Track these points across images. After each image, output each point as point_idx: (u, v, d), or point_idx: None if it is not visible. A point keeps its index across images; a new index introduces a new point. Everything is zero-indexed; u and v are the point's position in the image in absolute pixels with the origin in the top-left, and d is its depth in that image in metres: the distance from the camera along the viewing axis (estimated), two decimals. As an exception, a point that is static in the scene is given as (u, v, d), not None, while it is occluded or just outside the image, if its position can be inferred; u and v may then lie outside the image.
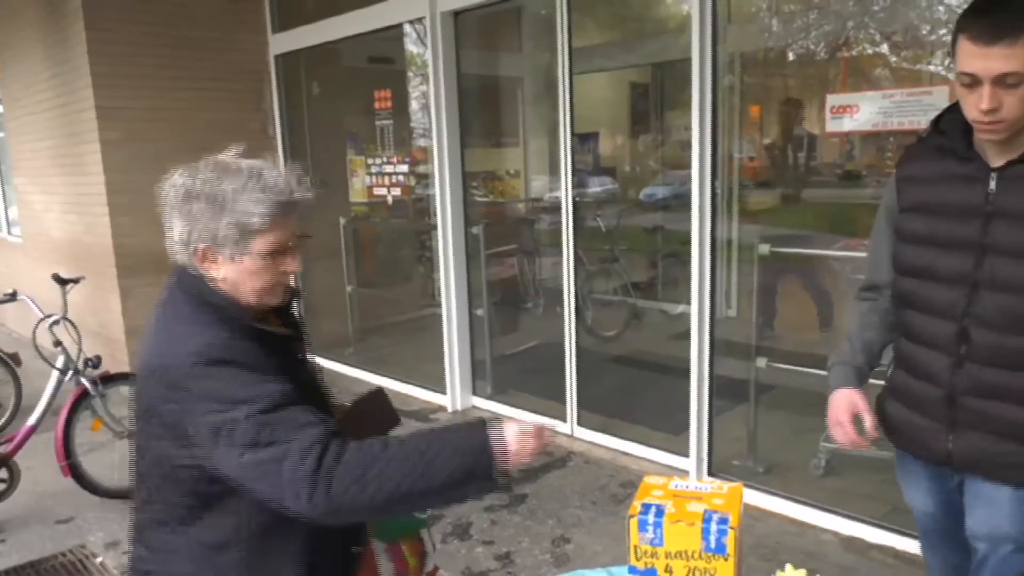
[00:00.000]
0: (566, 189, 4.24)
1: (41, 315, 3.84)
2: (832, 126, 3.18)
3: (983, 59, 1.44)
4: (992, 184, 1.57)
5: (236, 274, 1.38)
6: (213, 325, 1.34)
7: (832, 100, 3.15)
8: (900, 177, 1.74)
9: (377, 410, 1.67)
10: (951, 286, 1.61)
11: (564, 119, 4.19)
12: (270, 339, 1.40)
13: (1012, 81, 1.45)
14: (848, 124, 3.16)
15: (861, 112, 3.05)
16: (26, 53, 6.14)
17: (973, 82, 1.47)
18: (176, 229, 1.38)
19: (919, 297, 1.69)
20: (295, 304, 1.57)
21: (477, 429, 1.32)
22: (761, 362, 3.72)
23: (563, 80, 4.16)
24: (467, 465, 1.28)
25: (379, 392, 1.73)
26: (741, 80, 3.85)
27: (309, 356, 1.56)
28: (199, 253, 1.37)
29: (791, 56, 3.83)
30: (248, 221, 1.35)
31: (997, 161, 1.57)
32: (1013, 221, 1.54)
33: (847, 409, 1.72)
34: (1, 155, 7.98)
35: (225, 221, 1.34)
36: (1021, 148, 1.54)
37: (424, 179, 5.19)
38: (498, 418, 1.39)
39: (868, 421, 1.71)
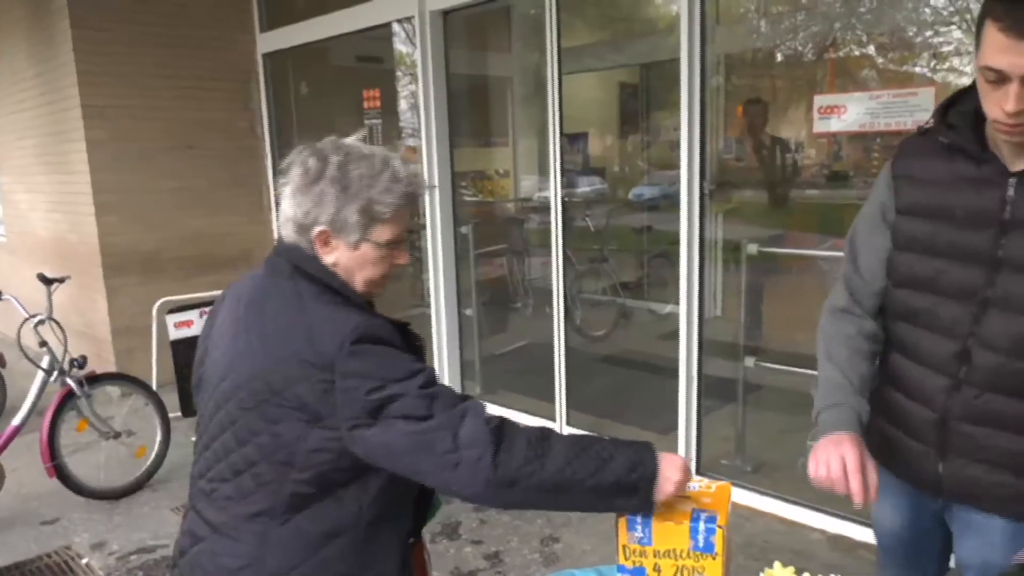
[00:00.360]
0: (555, 189, 4.24)
1: (26, 315, 3.80)
2: (820, 126, 3.20)
3: (1015, 55, 1.24)
4: (1011, 190, 1.38)
5: (351, 261, 1.37)
6: (349, 307, 1.33)
7: (820, 101, 3.18)
8: (897, 174, 1.54)
9: None
10: (958, 302, 1.44)
11: (553, 119, 4.19)
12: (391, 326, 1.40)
13: None
14: (835, 125, 3.18)
15: (848, 113, 3.07)
16: (11, 51, 6.09)
17: (999, 79, 1.28)
18: (296, 209, 1.35)
19: (918, 311, 1.51)
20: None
21: (649, 449, 1.30)
22: (749, 362, 3.74)
23: (552, 80, 4.16)
24: (634, 480, 1.26)
25: None
26: (728, 81, 3.86)
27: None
28: (318, 236, 1.35)
29: (779, 57, 3.84)
30: (376, 209, 1.34)
31: (1017, 164, 1.38)
32: None
33: (855, 468, 1.42)
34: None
35: (353, 206, 1.32)
36: None
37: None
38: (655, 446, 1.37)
39: (872, 479, 1.43)
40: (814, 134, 3.58)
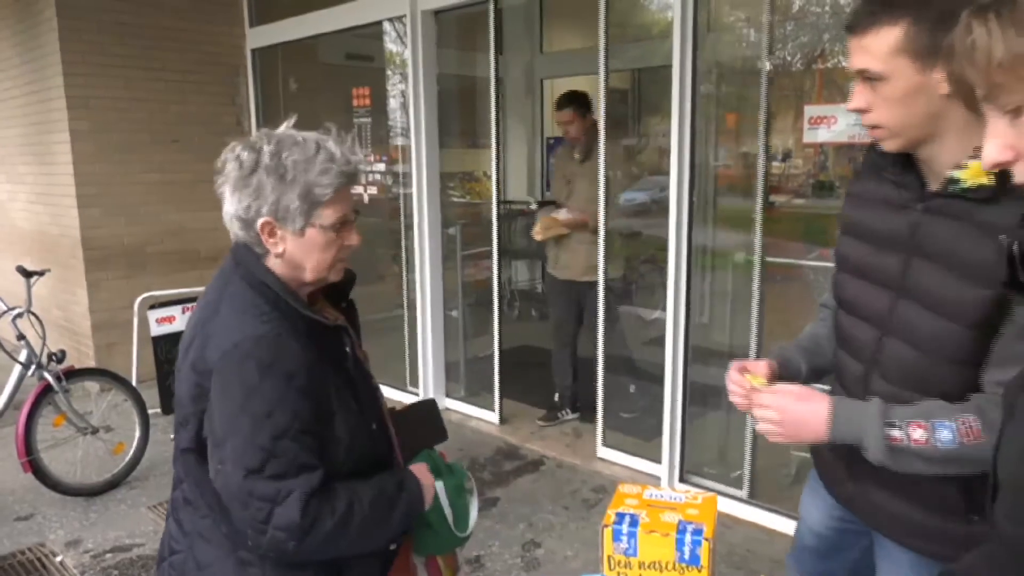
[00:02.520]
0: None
1: (4, 307, 3.74)
2: (808, 136, 3.21)
3: (852, 52, 1.27)
4: (917, 215, 1.32)
5: (299, 249, 1.36)
6: (265, 315, 1.31)
7: (810, 111, 3.18)
8: (848, 191, 1.52)
9: (426, 421, 1.64)
10: (869, 325, 1.41)
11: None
12: (319, 329, 1.37)
13: (870, 77, 1.26)
14: (824, 135, 3.19)
15: (838, 123, 3.08)
16: (-5, 38, 6.00)
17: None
18: (236, 204, 1.34)
19: (843, 330, 1.50)
20: (350, 287, 1.56)
21: (411, 482, 1.45)
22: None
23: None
24: (410, 517, 1.45)
25: (431, 404, 1.71)
26: (719, 88, 3.87)
27: (358, 347, 1.53)
28: (262, 228, 1.34)
29: (768, 66, 3.86)
30: (316, 192, 1.33)
31: (934, 185, 1.31)
32: (929, 263, 1.30)
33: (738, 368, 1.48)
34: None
35: (292, 193, 1.32)
36: (948, 172, 1.27)
37: (401, 178, 5.15)
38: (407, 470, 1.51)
39: (762, 369, 1.46)
40: (803, 144, 3.59)
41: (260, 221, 1.33)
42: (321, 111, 6.10)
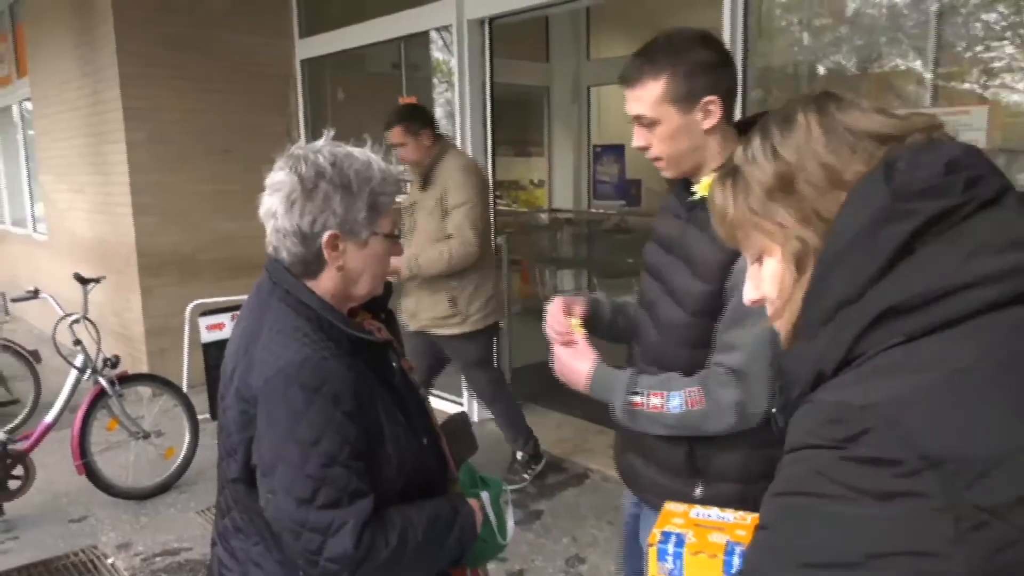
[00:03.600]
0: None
1: (62, 313, 3.87)
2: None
3: (628, 100, 1.53)
4: (683, 220, 1.58)
5: (361, 260, 1.35)
6: (308, 337, 1.28)
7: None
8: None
9: (457, 434, 1.64)
10: (646, 315, 1.67)
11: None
12: (364, 345, 1.36)
13: (646, 123, 1.51)
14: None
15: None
16: (56, 52, 6.24)
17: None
18: (297, 219, 1.29)
19: (636, 323, 1.75)
20: (389, 298, 1.55)
21: (466, 515, 1.43)
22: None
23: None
24: (463, 547, 1.42)
25: (462, 416, 1.71)
26: (769, 94, 3.80)
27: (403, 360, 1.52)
28: (327, 241, 1.31)
29: (821, 70, 3.77)
30: (380, 200, 1.34)
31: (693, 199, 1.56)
32: (681, 263, 1.55)
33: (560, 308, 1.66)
34: (29, 153, 8.10)
35: (360, 203, 1.31)
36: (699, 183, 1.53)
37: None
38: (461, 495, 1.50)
39: (580, 311, 1.67)
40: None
41: (326, 235, 1.31)
42: (368, 120, 6.18)
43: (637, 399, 1.53)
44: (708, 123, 1.49)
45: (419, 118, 3.58)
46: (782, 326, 0.90)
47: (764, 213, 0.86)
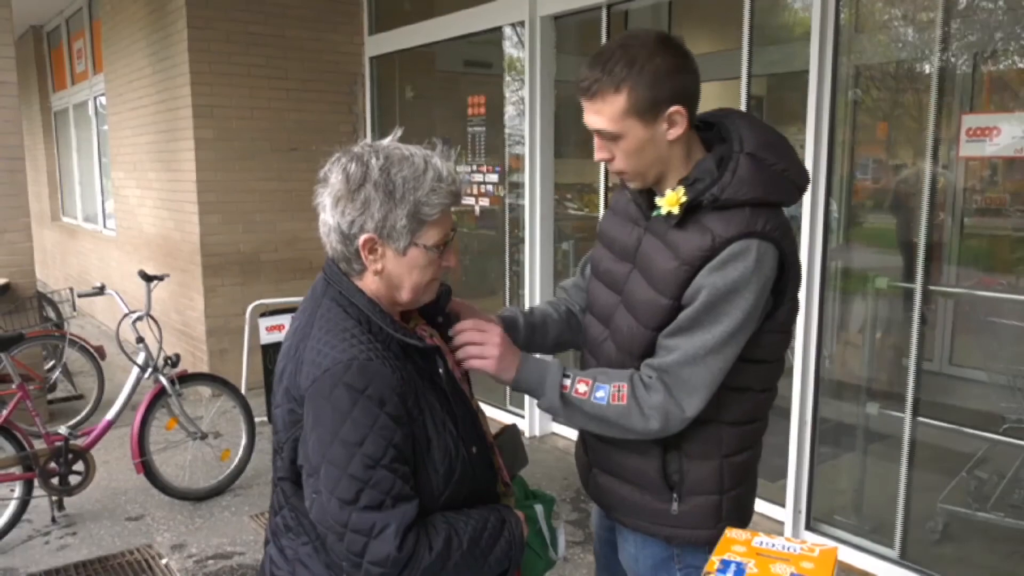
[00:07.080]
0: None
1: (126, 310, 4.05)
2: (967, 150, 3.00)
3: (587, 113, 1.49)
4: (643, 231, 1.57)
5: (399, 268, 1.37)
6: (356, 338, 1.32)
7: (968, 121, 2.98)
8: (608, 206, 1.78)
9: (510, 449, 1.66)
10: (600, 324, 1.66)
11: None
12: (413, 349, 1.38)
13: (607, 137, 1.47)
14: (988, 148, 2.97)
15: (1002, 135, 2.87)
16: (130, 49, 6.56)
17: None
18: (339, 217, 1.33)
19: (584, 328, 1.75)
20: (447, 302, 1.57)
21: (513, 523, 1.45)
22: (873, 408, 3.54)
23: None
24: (512, 556, 1.44)
25: (513, 429, 1.73)
26: (868, 94, 3.69)
27: (456, 366, 1.55)
28: (364, 244, 1.34)
29: (927, 69, 3.64)
30: (424, 211, 1.34)
31: (654, 210, 1.54)
32: (639, 273, 1.55)
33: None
34: (103, 148, 8.53)
35: (400, 211, 1.32)
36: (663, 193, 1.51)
37: (515, 190, 5.22)
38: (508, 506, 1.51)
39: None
40: (960, 157, 3.36)
41: (363, 237, 1.33)
42: (436, 119, 6.28)
43: (567, 382, 1.54)
44: (674, 133, 1.45)
45: None
46: None
47: None
